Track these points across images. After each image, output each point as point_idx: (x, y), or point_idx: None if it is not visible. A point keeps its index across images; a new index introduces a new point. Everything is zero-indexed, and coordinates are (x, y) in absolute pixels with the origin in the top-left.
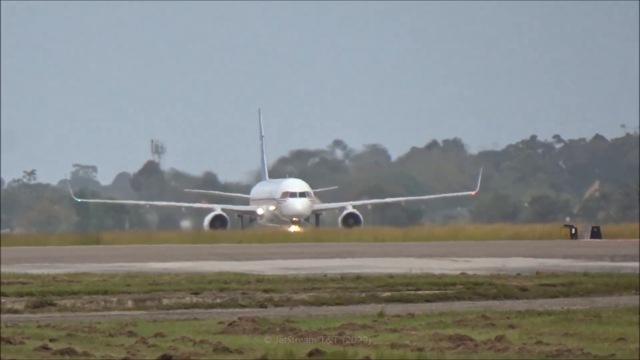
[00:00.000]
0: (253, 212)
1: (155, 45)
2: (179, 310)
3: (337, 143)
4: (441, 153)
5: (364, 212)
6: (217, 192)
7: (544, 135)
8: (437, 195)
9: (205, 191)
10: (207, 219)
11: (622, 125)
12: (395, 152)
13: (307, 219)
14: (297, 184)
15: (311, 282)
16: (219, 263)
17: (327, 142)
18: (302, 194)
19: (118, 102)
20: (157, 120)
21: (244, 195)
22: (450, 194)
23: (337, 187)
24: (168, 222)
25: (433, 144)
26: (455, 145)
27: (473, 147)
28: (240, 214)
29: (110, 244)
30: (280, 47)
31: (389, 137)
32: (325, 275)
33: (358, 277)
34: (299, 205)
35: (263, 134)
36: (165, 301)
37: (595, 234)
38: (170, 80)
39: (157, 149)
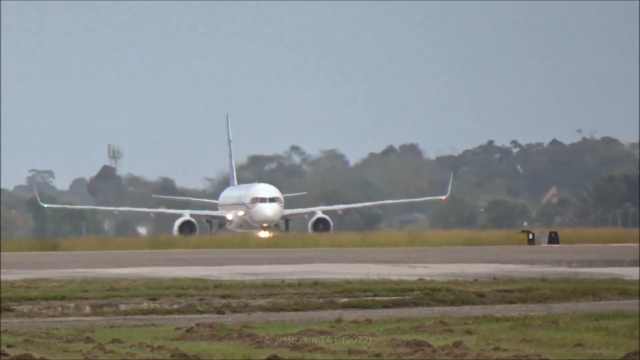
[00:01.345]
0: (222, 218)
1: (111, 50)
2: (137, 316)
3: (294, 149)
4: (398, 158)
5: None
6: (188, 198)
7: (501, 140)
8: (407, 200)
9: (177, 197)
10: (176, 224)
11: (579, 130)
12: (353, 157)
13: (276, 225)
14: (267, 189)
15: (269, 288)
16: (177, 269)
17: (284, 147)
18: (272, 199)
19: (74, 106)
20: (113, 125)
21: (210, 201)
22: (421, 199)
23: (306, 192)
24: (125, 228)
25: (390, 149)
26: (412, 150)
27: (430, 152)
28: (210, 219)
29: (67, 250)
30: (236, 53)
31: (346, 143)
32: (282, 281)
33: (316, 283)
34: (269, 210)
35: (231, 138)
36: (122, 307)
37: (553, 239)
38: (126, 85)
39: (114, 154)
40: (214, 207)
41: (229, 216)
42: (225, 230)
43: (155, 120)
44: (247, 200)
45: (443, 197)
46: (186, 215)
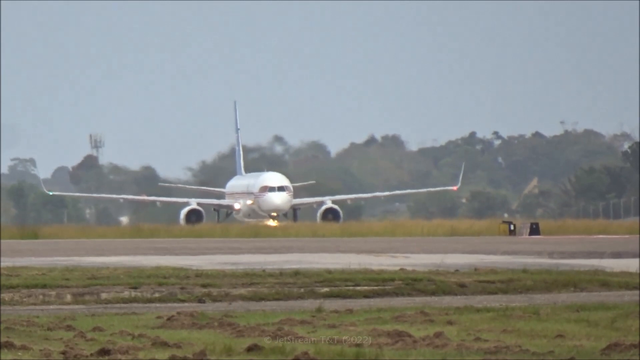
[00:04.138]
0: (230, 207)
1: (94, 39)
2: (118, 305)
3: (278, 139)
4: (380, 149)
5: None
6: (201, 187)
7: (483, 132)
8: (418, 190)
9: (187, 186)
10: (183, 212)
11: (561, 122)
12: (335, 148)
13: (284, 214)
14: (276, 178)
15: (250, 277)
16: (158, 257)
17: (267, 137)
18: (281, 188)
19: (56, 95)
20: (95, 114)
21: (220, 190)
22: (430, 189)
23: (314, 181)
24: (106, 217)
25: (372, 140)
26: (394, 141)
27: (412, 144)
28: (217, 208)
29: (48, 238)
30: (219, 44)
31: (328, 133)
32: (263, 271)
33: (296, 273)
34: (278, 199)
35: (239, 127)
36: (103, 295)
37: (534, 230)
38: (108, 75)
39: (96, 143)
40: (211, 195)
41: (237, 205)
42: (233, 220)
43: (136, 109)
44: (256, 189)
45: (455, 188)
46: (193, 203)
